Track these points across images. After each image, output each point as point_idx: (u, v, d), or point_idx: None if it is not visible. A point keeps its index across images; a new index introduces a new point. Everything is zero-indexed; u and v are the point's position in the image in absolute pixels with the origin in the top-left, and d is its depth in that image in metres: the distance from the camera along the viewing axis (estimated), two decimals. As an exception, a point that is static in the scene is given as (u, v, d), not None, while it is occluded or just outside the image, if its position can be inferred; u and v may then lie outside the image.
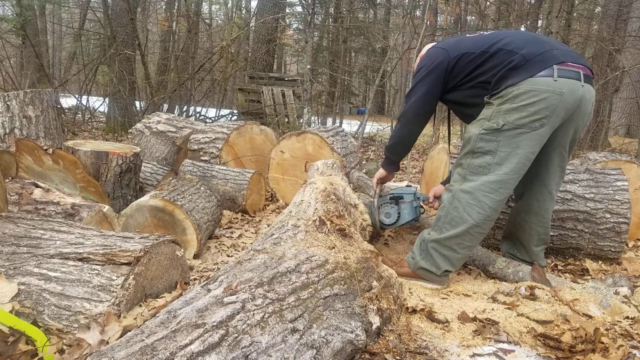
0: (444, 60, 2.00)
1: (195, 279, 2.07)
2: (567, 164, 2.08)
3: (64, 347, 1.41)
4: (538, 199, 2.09)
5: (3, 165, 2.32)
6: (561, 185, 2.31)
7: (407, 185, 2.50)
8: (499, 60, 1.89)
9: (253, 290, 1.17)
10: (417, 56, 2.41)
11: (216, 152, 3.75)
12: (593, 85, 1.90)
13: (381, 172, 2.36)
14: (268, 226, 3.01)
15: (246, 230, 2.97)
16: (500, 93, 1.86)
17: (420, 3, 10.43)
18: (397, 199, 2.33)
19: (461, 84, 2.02)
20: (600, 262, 2.47)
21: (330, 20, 11.22)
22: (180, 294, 1.65)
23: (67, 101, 8.18)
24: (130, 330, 1.14)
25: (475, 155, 1.92)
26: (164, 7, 12.30)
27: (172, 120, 4.51)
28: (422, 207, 2.40)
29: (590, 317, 1.65)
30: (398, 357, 1.33)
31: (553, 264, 2.45)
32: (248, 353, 1.00)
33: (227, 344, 0.99)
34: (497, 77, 1.87)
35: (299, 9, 14.52)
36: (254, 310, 1.10)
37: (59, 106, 6.83)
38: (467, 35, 2.10)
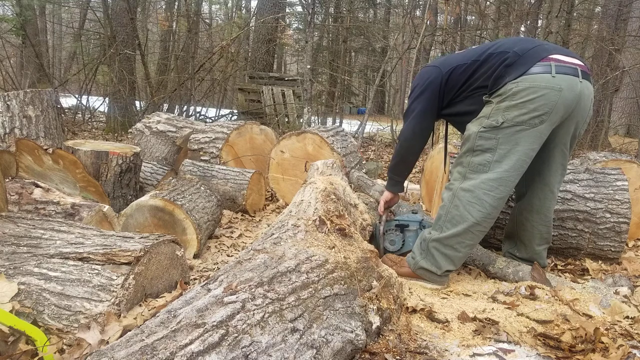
0: (437, 77, 2.03)
1: (195, 279, 2.07)
2: (568, 161, 2.09)
3: (64, 347, 1.41)
4: (539, 197, 2.09)
5: (3, 165, 2.32)
6: (561, 185, 2.31)
7: (413, 211, 2.47)
8: (492, 63, 1.92)
9: (253, 290, 1.17)
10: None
11: (216, 152, 3.75)
12: (591, 82, 1.91)
13: (386, 195, 2.32)
14: (268, 226, 3.01)
15: (246, 230, 2.97)
16: (499, 91, 1.86)
17: (420, 3, 10.43)
18: (402, 227, 2.31)
19: (457, 96, 2.05)
20: (600, 262, 2.47)
21: (330, 20, 11.21)
22: (180, 294, 1.65)
23: (67, 101, 8.17)
24: (130, 330, 1.14)
25: (474, 153, 1.92)
26: (164, 7, 12.30)
27: (172, 120, 4.51)
28: None
29: (590, 316, 1.65)
30: (398, 357, 1.33)
31: (553, 263, 2.45)
32: (248, 353, 1.00)
33: (227, 344, 0.99)
34: (494, 77, 1.89)
35: (299, 8, 14.53)
36: (254, 310, 1.10)
37: (59, 106, 6.83)
38: (457, 52, 2.16)
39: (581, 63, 1.87)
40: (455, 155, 2.23)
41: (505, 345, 1.44)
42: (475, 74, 1.96)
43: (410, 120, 2.10)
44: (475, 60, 1.96)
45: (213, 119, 8.49)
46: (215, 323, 1.02)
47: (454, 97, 2.05)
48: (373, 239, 2.34)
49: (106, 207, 2.16)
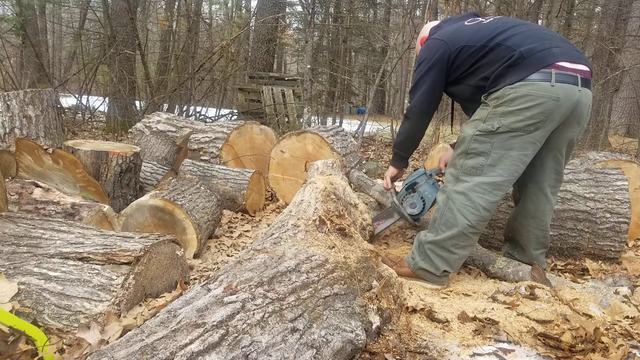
0: (444, 53, 1.99)
1: (195, 279, 2.07)
2: (563, 167, 2.07)
3: (64, 347, 1.41)
4: (533, 201, 2.09)
5: (3, 165, 2.32)
6: (561, 186, 2.30)
7: (414, 169, 2.49)
8: (497, 56, 1.88)
9: (253, 289, 1.17)
10: (418, 38, 2.35)
11: (216, 152, 3.75)
12: (591, 88, 1.90)
13: (391, 170, 2.38)
14: (268, 226, 3.01)
15: (246, 230, 2.97)
16: (496, 93, 1.85)
17: (420, 3, 10.43)
18: (413, 187, 2.33)
19: (462, 78, 2.02)
20: (600, 261, 2.46)
21: (330, 20, 11.21)
22: (180, 294, 1.65)
23: (67, 101, 8.17)
24: (130, 330, 1.14)
25: (468, 156, 1.92)
26: (164, 7, 12.29)
27: (172, 120, 4.51)
28: (439, 180, 2.37)
29: (590, 316, 1.65)
30: (398, 357, 1.33)
31: (553, 264, 2.44)
32: (248, 353, 1.00)
33: (227, 344, 0.99)
34: (495, 75, 1.87)
35: (299, 8, 14.52)
36: (254, 309, 1.10)
37: (59, 106, 6.83)
38: (466, 23, 2.05)
39: (585, 68, 1.84)
40: None
41: (505, 345, 1.44)
42: (480, 61, 1.93)
43: (419, 96, 2.08)
44: (483, 46, 1.91)
45: (213, 118, 8.49)
46: (215, 323, 1.02)
47: (459, 77, 2.03)
48: (400, 217, 2.39)
49: (106, 207, 2.16)
